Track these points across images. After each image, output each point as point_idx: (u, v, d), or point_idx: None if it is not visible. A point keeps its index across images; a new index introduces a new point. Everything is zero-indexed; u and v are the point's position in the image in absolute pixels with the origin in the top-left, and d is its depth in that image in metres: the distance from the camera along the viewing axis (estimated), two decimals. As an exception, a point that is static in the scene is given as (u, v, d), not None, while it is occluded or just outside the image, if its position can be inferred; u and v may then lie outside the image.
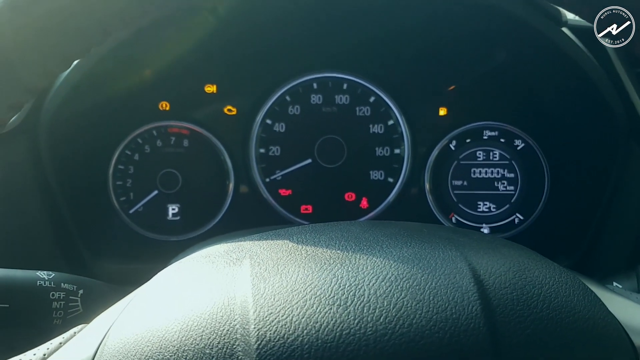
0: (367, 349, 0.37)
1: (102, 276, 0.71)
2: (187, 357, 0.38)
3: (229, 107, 0.94)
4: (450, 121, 0.93)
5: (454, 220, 0.94)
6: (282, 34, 0.87)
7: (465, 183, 0.94)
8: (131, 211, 0.93)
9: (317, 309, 0.39)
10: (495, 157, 0.93)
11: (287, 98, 0.94)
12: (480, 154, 0.93)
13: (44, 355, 0.41)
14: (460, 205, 0.94)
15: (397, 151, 0.94)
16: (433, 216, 0.93)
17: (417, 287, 0.40)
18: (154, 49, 0.83)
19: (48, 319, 0.54)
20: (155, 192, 0.93)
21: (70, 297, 0.56)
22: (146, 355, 0.39)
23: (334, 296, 0.39)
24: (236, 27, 0.83)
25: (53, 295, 0.54)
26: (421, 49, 0.89)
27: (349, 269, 0.42)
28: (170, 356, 0.38)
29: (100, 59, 0.75)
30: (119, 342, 0.40)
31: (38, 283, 0.54)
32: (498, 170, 0.93)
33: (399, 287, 0.40)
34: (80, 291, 0.57)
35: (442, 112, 0.93)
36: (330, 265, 0.43)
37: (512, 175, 0.93)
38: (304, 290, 0.40)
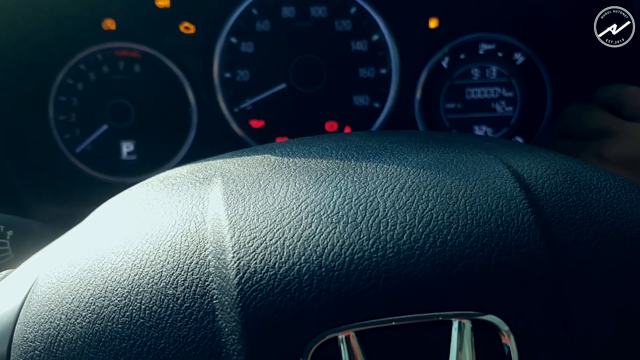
0: (388, 275, 0.27)
1: (43, 219, 0.61)
2: (144, 301, 0.28)
3: (186, 24, 0.81)
4: (442, 34, 0.82)
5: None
6: None
7: (459, 106, 0.84)
8: (78, 150, 0.81)
9: (317, 228, 0.29)
10: (492, 75, 0.83)
11: (254, 12, 0.81)
12: (475, 72, 0.83)
13: None
14: (454, 131, 0.85)
15: (383, 71, 0.83)
16: (424, 144, 0.83)
17: (448, 196, 0.31)
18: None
19: (-35, 267, 0.43)
20: (105, 127, 0.81)
21: (-4, 241, 0.46)
22: (87, 301, 0.28)
23: (338, 212, 0.30)
24: None
25: (-29, 237, 0.44)
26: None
27: (354, 179, 0.33)
28: (120, 300, 0.28)
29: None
30: (50, 285, 0.30)
31: (-51, 223, 0.43)
32: (495, 90, 0.83)
33: (423, 197, 0.31)
34: (9, 232, 0.46)
35: (433, 23, 0.82)
36: (330, 176, 0.33)
37: (510, 94, 0.83)
38: (297, 207, 0.30)
